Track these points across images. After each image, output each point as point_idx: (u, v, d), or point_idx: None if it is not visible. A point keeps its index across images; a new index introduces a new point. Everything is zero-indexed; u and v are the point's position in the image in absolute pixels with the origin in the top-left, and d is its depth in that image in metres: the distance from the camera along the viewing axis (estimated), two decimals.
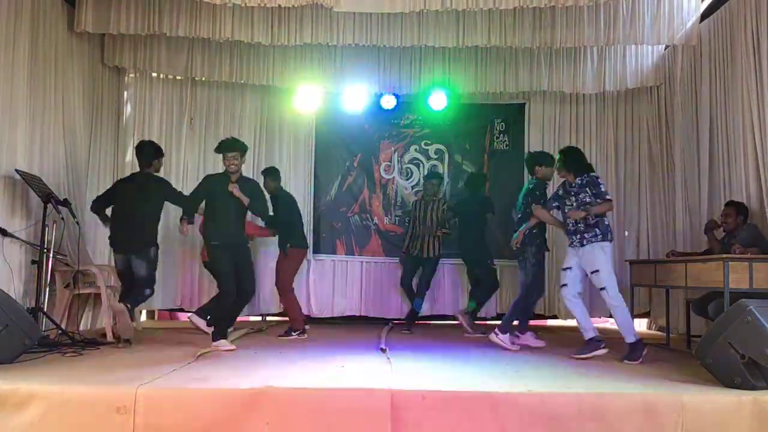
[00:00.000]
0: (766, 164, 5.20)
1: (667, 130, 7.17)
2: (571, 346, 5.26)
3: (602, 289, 4.84)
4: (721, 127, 5.93)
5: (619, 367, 4.42)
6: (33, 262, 5.34)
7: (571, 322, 8.02)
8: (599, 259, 4.83)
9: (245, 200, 5.12)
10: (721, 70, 5.96)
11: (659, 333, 6.95)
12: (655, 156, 7.42)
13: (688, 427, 3.24)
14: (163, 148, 7.25)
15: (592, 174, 5.02)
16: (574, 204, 4.99)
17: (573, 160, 5.10)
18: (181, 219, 5.30)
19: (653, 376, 4.04)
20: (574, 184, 5.04)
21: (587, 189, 4.94)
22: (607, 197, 4.90)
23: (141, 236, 5.44)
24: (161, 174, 6.02)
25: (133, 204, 5.48)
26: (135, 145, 6.17)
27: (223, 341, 5.05)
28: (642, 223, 7.63)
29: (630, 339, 4.77)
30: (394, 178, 7.96)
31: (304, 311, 7.68)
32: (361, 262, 7.86)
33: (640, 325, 7.41)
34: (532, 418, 3.24)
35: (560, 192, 5.22)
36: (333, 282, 7.82)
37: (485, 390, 3.45)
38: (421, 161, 7.98)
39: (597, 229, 4.86)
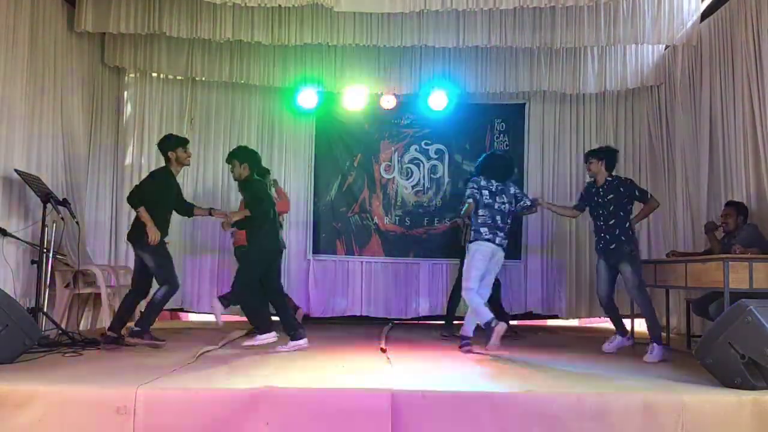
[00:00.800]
0: (766, 164, 5.20)
1: (667, 130, 7.17)
2: (571, 346, 5.26)
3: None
4: (721, 127, 5.92)
5: (619, 367, 4.42)
6: (33, 262, 5.34)
7: (572, 322, 8.05)
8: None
9: (245, 213, 5.19)
10: (721, 70, 5.95)
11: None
12: (655, 156, 7.42)
13: (688, 427, 3.23)
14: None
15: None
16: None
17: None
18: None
19: (653, 376, 4.04)
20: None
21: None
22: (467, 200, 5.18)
23: (136, 226, 5.25)
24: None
25: None
26: None
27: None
28: (642, 223, 7.61)
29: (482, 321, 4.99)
30: (394, 177, 7.96)
31: (304, 311, 7.71)
32: (361, 262, 7.86)
33: (641, 325, 7.39)
34: (532, 418, 3.24)
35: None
36: (333, 282, 7.83)
37: (485, 390, 3.45)
38: (421, 161, 7.98)
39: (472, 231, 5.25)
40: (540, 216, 7.52)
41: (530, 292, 7.72)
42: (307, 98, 7.52)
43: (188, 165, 5.65)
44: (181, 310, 7.68)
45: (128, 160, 7.40)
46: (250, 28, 6.30)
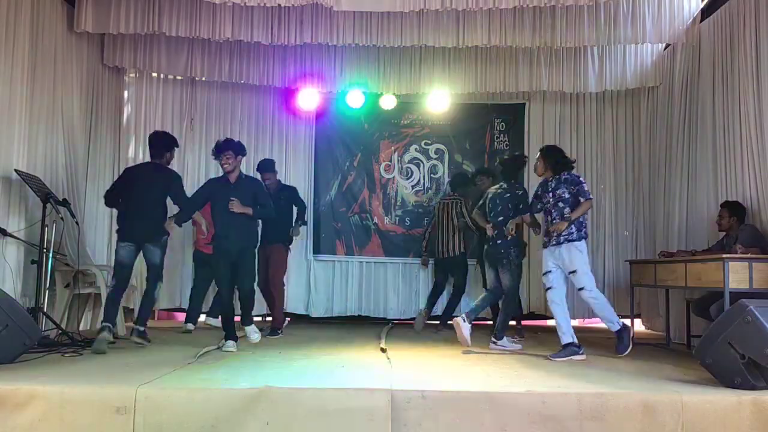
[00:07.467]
0: (766, 164, 5.19)
1: (667, 130, 7.17)
2: None
3: (581, 289, 4.86)
4: (721, 127, 5.92)
5: (619, 367, 4.42)
6: (33, 262, 5.34)
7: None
8: (576, 258, 4.83)
9: (248, 211, 5.07)
10: (721, 70, 5.95)
11: (654, 332, 6.95)
12: (654, 156, 7.41)
13: (688, 427, 3.24)
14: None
15: (573, 173, 5.05)
16: (551, 201, 5.00)
17: (552, 158, 5.07)
18: (170, 217, 5.27)
19: (653, 376, 4.04)
20: (551, 180, 5.06)
21: (566, 186, 4.94)
22: (589, 197, 4.89)
23: (155, 224, 5.22)
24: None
25: (142, 193, 5.25)
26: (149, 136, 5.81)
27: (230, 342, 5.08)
28: (641, 223, 7.64)
29: (615, 327, 4.89)
30: (394, 177, 7.97)
31: (304, 311, 7.73)
32: (361, 262, 7.86)
33: (640, 325, 7.40)
34: (532, 418, 3.24)
35: (539, 191, 5.22)
36: (333, 282, 7.83)
37: (485, 390, 3.45)
38: (421, 161, 7.99)
39: (572, 227, 4.85)
40: None
41: (531, 292, 7.72)
42: (308, 98, 7.53)
43: None
44: (181, 310, 7.67)
45: (130, 155, 7.40)
46: (250, 28, 6.30)
